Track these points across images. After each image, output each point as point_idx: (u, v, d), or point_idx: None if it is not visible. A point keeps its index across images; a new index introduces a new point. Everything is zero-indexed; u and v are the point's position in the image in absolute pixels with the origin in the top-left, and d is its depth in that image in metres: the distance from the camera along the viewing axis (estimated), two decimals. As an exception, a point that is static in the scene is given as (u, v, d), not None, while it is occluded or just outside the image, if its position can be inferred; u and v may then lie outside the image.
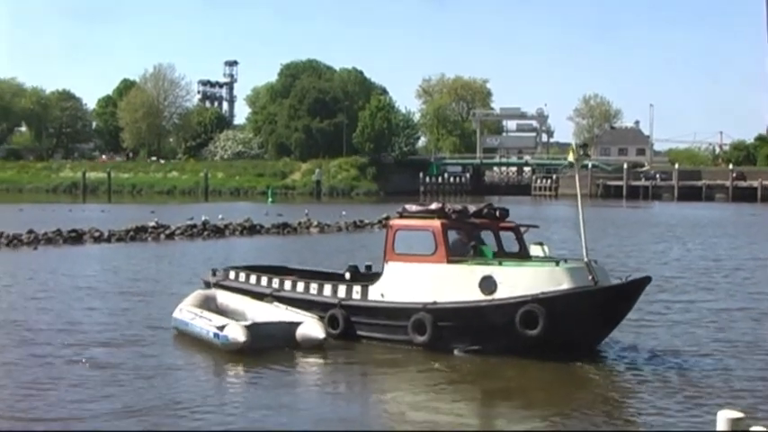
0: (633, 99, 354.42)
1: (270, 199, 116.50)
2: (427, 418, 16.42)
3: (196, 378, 19.40)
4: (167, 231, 55.11)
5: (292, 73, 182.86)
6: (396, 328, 21.39)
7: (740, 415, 6.27)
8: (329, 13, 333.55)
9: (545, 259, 22.22)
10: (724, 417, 6.27)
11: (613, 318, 20.79)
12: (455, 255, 21.46)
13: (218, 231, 57.88)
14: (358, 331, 22.17)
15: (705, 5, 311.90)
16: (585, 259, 20.66)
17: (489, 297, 20.27)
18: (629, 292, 20.60)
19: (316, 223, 64.04)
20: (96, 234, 51.65)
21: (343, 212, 72.76)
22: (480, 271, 20.69)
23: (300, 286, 24.05)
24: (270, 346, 21.01)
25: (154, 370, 19.41)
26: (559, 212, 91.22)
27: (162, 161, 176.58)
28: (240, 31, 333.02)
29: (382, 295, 22.02)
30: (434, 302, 20.90)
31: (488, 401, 18.36)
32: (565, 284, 19.94)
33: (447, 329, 20.70)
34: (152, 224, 55.64)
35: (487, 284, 20.34)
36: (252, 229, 59.86)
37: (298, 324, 21.63)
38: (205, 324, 21.98)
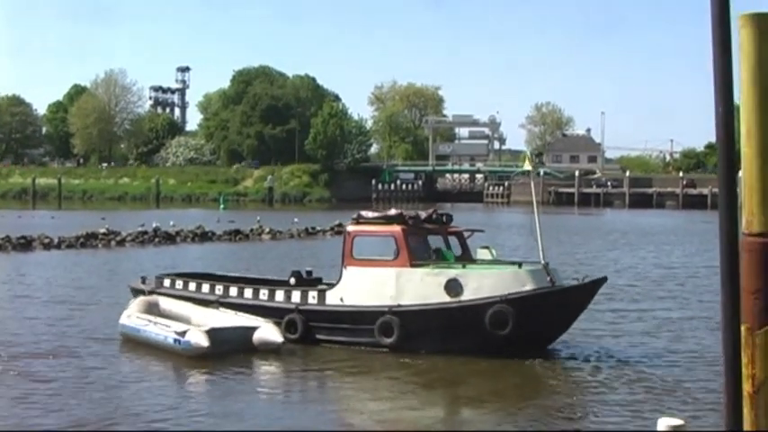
0: (585, 107, 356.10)
1: (222, 206, 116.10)
2: (391, 417, 16.86)
3: (155, 387, 19.11)
4: (118, 238, 54.83)
5: (245, 79, 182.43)
6: (361, 332, 21.89)
7: (680, 422, 6.33)
8: (281, 20, 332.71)
9: (497, 263, 23.23)
10: (664, 423, 6.32)
11: (572, 316, 22.03)
12: (416, 259, 22.04)
13: (170, 238, 57.57)
14: (318, 335, 22.53)
15: (655, 11, 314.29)
16: (543, 261, 21.68)
17: (456, 299, 21.09)
18: (588, 291, 21.88)
19: (268, 230, 63.90)
20: (46, 241, 51.22)
21: (296, 219, 72.58)
22: (445, 274, 21.53)
23: (248, 292, 24.22)
24: (228, 350, 21.09)
25: (106, 379, 19.19)
26: (512, 219, 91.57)
27: (113, 167, 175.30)
28: (192, 37, 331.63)
29: (341, 299, 22.49)
30: (399, 305, 21.52)
31: (450, 401, 18.98)
32: (528, 285, 21.10)
33: (414, 331, 21.27)
34: (103, 231, 55.30)
35: (453, 287, 21.15)
36: (203, 236, 59.65)
37: (254, 329, 21.78)
38: (162, 330, 21.85)
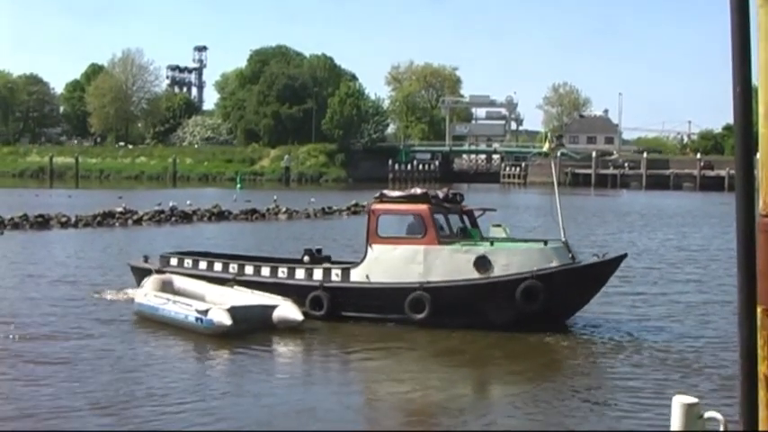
0: (602, 88, 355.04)
1: (238, 185, 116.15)
2: (410, 397, 16.86)
3: (177, 367, 18.95)
4: (135, 217, 54.97)
5: (262, 59, 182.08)
6: (391, 308, 22.31)
7: (695, 400, 6.31)
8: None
9: (515, 240, 24.30)
10: (679, 401, 6.31)
11: (594, 291, 23.07)
12: (441, 237, 22.75)
13: (186, 217, 57.74)
14: (344, 312, 22.91)
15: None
16: (563, 239, 22.63)
17: (485, 275, 21.94)
18: (610, 267, 22.94)
19: (284, 210, 63.93)
20: (63, 219, 51.35)
21: (312, 199, 72.64)
22: (474, 251, 22.29)
23: (266, 271, 24.41)
24: (248, 329, 21.17)
25: (127, 360, 19.04)
26: (528, 200, 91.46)
27: (130, 146, 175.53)
28: (210, 17, 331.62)
29: (367, 277, 22.88)
30: (429, 282, 22.09)
31: (472, 374, 19.35)
32: (554, 262, 22.08)
33: (445, 307, 21.81)
34: (119, 210, 55.46)
35: (483, 263, 21.98)
36: (220, 215, 59.78)
37: (274, 307, 21.92)
38: (182, 309, 21.86)
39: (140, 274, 25.86)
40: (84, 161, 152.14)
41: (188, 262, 25.97)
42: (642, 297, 28.55)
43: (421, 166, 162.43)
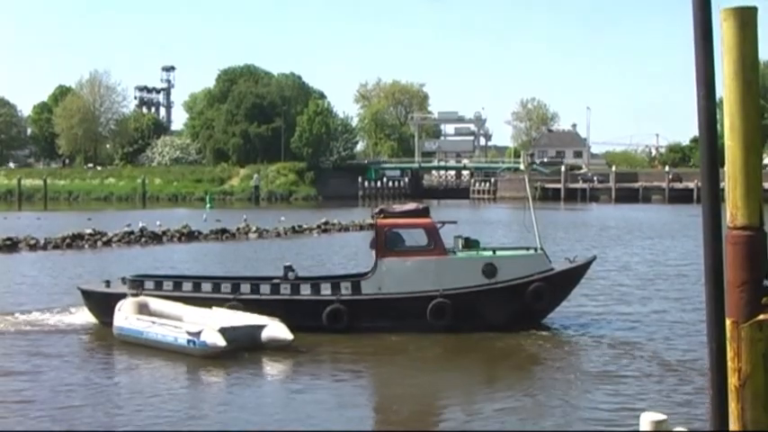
0: (570, 102, 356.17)
1: (208, 205, 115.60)
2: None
3: (176, 393, 18.49)
4: (104, 238, 54.64)
5: (230, 78, 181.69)
6: (411, 316, 23.54)
7: (663, 417, 6.32)
8: (266, 18, 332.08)
9: (509, 248, 27.80)
10: (647, 419, 6.33)
11: (572, 290, 26.42)
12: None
13: (156, 238, 57.44)
14: (363, 323, 23.80)
15: (639, 7, 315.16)
16: (540, 246, 25.37)
17: (493, 281, 24.17)
18: (586, 269, 26.57)
19: (254, 229, 63.71)
20: (32, 242, 51.04)
21: (282, 218, 72.46)
22: (482, 259, 24.73)
23: (266, 288, 24.77)
24: (236, 349, 20.98)
25: (120, 388, 18.70)
26: (498, 215, 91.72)
27: (99, 167, 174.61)
28: (178, 37, 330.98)
29: (379, 288, 24.16)
30: (447, 289, 23.86)
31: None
32: (543, 267, 24.96)
33: (464, 312, 23.68)
34: (89, 231, 55.13)
35: (490, 270, 24.23)
36: (190, 236, 59.50)
37: (262, 327, 21.81)
38: (171, 331, 21.46)
39: (98, 299, 25.51)
40: (52, 183, 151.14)
41: (167, 284, 25.60)
42: (612, 311, 28.78)
43: (391, 183, 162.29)
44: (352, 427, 15.84)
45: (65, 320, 26.10)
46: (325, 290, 24.44)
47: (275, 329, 21.70)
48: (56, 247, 50.84)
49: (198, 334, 20.74)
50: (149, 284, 25.65)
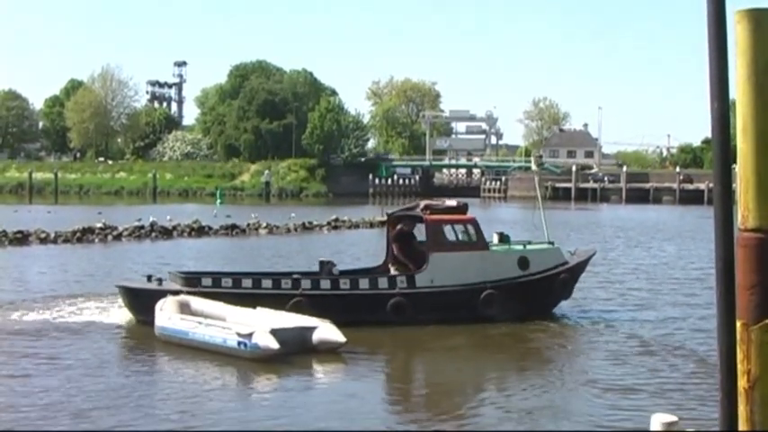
0: (582, 102, 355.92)
1: (218, 200, 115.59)
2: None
3: (229, 397, 17.82)
4: (115, 233, 54.61)
5: (242, 74, 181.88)
6: (467, 307, 24.73)
7: (674, 419, 6.31)
8: (279, 14, 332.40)
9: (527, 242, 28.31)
10: (658, 420, 6.32)
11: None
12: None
13: (167, 233, 57.40)
14: (420, 315, 24.36)
15: (653, 7, 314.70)
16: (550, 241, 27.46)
17: (527, 272, 25.75)
18: (589, 261, 28.69)
19: (264, 225, 63.69)
20: (42, 235, 51.06)
21: (293, 214, 72.44)
22: (517, 253, 26.33)
23: (326, 284, 24.82)
24: (287, 352, 19.94)
25: (173, 391, 17.74)
26: (508, 214, 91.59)
27: (110, 162, 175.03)
28: (190, 32, 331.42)
29: (431, 281, 24.90)
30: (487, 282, 25.18)
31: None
32: (563, 259, 26.92)
33: (509, 301, 24.91)
34: (99, 225, 55.13)
35: (524, 263, 25.86)
36: (200, 231, 59.45)
37: (313, 328, 20.97)
38: (219, 332, 20.51)
39: (137, 296, 24.54)
40: (63, 177, 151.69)
41: (227, 281, 24.79)
42: (621, 310, 28.77)
43: (401, 181, 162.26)
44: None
45: (101, 317, 25.12)
46: (383, 284, 25.06)
47: (327, 331, 20.79)
48: (66, 240, 50.77)
49: (249, 336, 19.72)
50: (206, 281, 24.63)
